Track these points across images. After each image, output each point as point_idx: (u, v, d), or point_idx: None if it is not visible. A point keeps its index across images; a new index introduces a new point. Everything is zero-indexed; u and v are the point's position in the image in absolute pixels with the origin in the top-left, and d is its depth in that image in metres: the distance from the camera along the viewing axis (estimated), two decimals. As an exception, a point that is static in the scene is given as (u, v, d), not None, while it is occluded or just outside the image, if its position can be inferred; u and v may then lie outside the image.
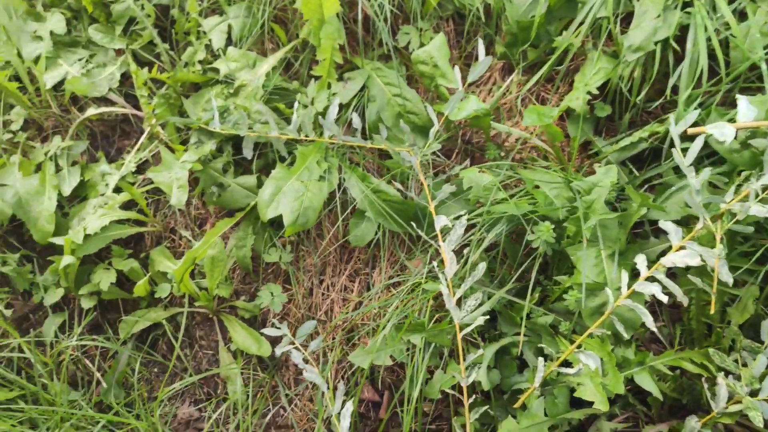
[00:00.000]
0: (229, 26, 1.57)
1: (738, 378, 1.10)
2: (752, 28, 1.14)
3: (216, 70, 1.56)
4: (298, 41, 1.56)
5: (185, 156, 1.37)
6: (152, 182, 1.60)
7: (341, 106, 1.46)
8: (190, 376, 1.49)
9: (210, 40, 1.58)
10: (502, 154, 1.42)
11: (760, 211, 0.98)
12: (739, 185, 1.05)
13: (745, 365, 1.11)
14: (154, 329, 1.54)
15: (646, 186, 1.30)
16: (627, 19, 1.32)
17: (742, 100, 1.02)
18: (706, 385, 1.12)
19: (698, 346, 1.18)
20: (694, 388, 1.19)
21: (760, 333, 1.12)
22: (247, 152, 1.45)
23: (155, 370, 1.55)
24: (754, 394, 1.07)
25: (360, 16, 1.46)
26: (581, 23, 1.31)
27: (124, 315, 1.56)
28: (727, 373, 1.12)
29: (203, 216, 1.62)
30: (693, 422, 1.13)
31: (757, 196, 0.99)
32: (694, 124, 1.13)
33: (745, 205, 0.99)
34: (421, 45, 1.47)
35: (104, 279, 1.47)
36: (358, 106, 1.47)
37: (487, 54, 1.47)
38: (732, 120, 1.09)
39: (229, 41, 1.58)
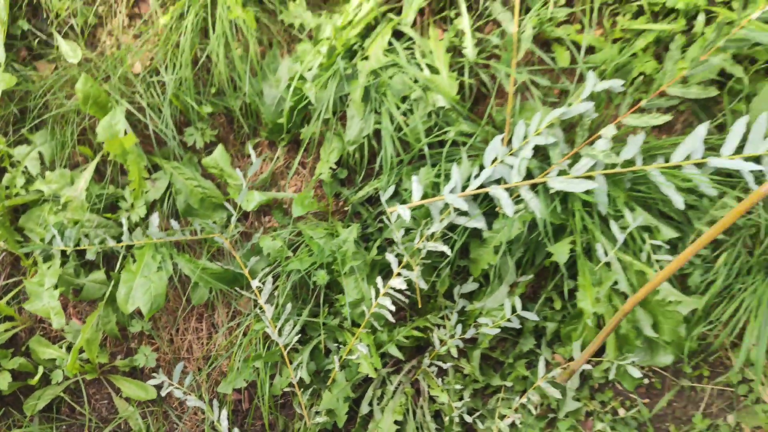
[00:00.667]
0: (40, 153, 1.88)
1: (445, 327, 1.89)
2: (417, 122, 1.78)
3: (40, 190, 1.88)
4: (105, 151, 1.93)
5: (47, 282, 1.75)
6: (11, 288, 1.95)
7: (155, 202, 1.91)
8: (96, 425, 1.98)
9: (26, 167, 1.88)
10: (285, 206, 2.01)
11: (433, 247, 1.70)
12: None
13: (448, 318, 1.90)
14: (54, 400, 1.97)
15: (380, 216, 1.98)
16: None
17: (414, 182, 1.69)
18: (431, 335, 1.91)
19: (424, 312, 1.95)
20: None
21: (453, 296, 1.91)
22: (91, 256, 1.86)
23: (63, 427, 2.00)
24: (453, 336, 1.87)
25: (150, 129, 1.88)
26: (317, 119, 1.87)
27: (22, 396, 1.96)
28: (439, 326, 1.90)
29: (64, 301, 2.01)
30: (426, 358, 1.93)
31: (429, 239, 1.71)
32: (396, 190, 1.80)
33: (426, 245, 1.71)
34: (205, 143, 1.94)
35: (1, 380, 1.84)
36: (169, 198, 1.93)
37: (254, 136, 2.00)
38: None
39: (42, 164, 1.90)
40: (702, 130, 1.54)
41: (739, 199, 1.59)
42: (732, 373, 1.76)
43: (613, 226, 1.62)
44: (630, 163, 1.60)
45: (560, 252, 1.62)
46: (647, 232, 1.68)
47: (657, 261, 1.65)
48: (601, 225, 1.68)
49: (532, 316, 1.77)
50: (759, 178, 1.51)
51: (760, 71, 1.62)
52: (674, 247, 1.69)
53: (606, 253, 1.64)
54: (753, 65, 1.61)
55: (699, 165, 1.56)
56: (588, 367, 1.75)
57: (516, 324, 1.79)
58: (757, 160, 1.51)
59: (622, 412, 1.92)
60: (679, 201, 1.56)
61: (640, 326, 1.68)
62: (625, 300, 1.61)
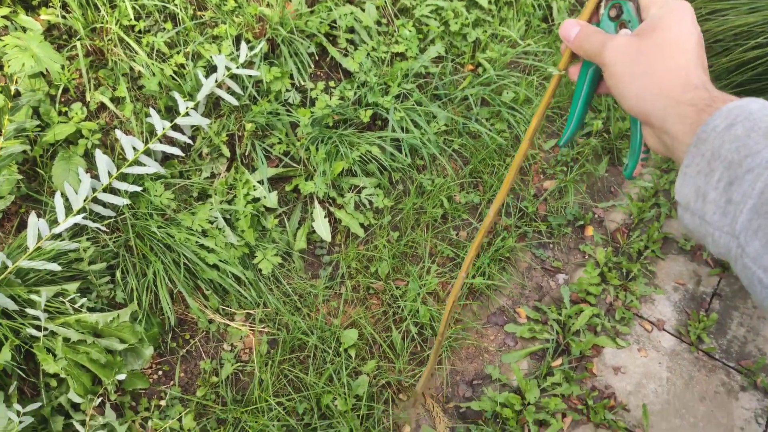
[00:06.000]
0: None
1: None
2: None
3: None
4: None
5: None
6: None
7: None
8: None
9: None
10: None
11: None
12: None
13: None
14: None
15: None
16: None
17: None
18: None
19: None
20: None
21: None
22: None
23: None
24: None
25: None
26: None
27: None
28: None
29: None
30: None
31: None
32: None
33: None
34: None
35: None
36: None
37: None
38: None
39: None
40: (33, 217, 2.14)
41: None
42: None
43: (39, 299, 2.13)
44: (4, 268, 2.10)
45: (5, 355, 2.04)
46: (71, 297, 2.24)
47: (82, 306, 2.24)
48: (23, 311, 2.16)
49: (35, 406, 2.17)
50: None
51: (47, 156, 2.31)
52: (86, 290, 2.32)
53: (43, 329, 2.15)
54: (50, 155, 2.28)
55: (57, 237, 2.18)
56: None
57: (24, 421, 2.16)
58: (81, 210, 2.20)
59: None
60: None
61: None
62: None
